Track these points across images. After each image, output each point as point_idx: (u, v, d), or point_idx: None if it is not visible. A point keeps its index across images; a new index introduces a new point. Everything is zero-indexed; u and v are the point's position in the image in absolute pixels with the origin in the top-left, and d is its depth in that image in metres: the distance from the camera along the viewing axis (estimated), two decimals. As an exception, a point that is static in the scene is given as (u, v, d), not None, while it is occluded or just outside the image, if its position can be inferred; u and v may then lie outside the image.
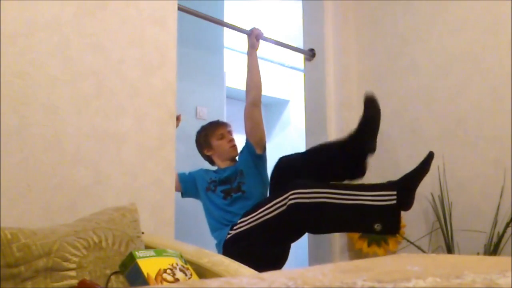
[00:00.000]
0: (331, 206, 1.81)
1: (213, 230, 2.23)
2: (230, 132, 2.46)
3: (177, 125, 2.16)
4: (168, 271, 1.11)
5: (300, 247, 4.16)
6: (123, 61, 1.79)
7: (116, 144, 1.73)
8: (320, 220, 1.87)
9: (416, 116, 2.65)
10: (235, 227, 2.03)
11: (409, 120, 2.68)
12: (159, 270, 1.09)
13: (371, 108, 1.90)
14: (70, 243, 1.18)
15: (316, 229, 2.04)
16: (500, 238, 2.20)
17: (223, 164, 2.39)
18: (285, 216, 1.83)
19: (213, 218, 2.23)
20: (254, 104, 2.35)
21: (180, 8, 2.10)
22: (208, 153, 2.42)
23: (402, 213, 2.60)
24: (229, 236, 2.05)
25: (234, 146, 2.43)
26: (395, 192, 1.82)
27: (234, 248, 2.00)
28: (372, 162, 2.83)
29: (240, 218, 2.02)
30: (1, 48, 1.49)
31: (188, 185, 2.36)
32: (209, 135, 2.42)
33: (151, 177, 1.82)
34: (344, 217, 1.85)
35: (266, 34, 2.62)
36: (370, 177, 2.83)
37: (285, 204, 1.83)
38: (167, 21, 1.95)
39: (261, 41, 2.55)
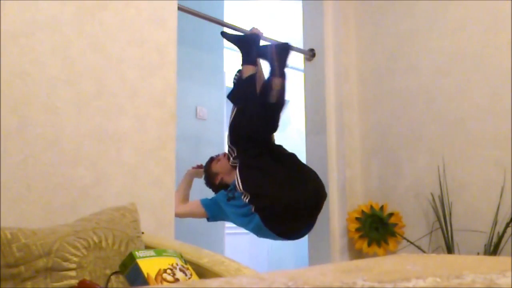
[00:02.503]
0: None
1: (248, 224, 2.27)
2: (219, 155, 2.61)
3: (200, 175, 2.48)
4: (168, 271, 1.11)
5: (300, 247, 4.15)
6: (123, 61, 1.79)
7: (116, 144, 1.73)
8: None
9: (416, 116, 2.65)
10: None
11: (409, 120, 2.68)
12: (159, 270, 1.09)
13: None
14: (70, 243, 1.18)
15: None
16: (500, 238, 2.20)
17: (231, 178, 2.46)
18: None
19: (243, 217, 2.27)
20: None
21: (180, 8, 2.10)
22: (218, 179, 2.50)
23: (403, 213, 2.61)
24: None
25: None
26: None
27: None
28: (372, 162, 2.83)
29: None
30: (1, 48, 1.49)
31: (213, 208, 2.38)
32: (209, 170, 2.53)
33: (151, 177, 1.82)
34: None
35: (266, 34, 2.62)
36: (370, 177, 2.84)
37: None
38: (167, 21, 1.95)
39: (261, 41, 2.56)
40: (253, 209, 2.16)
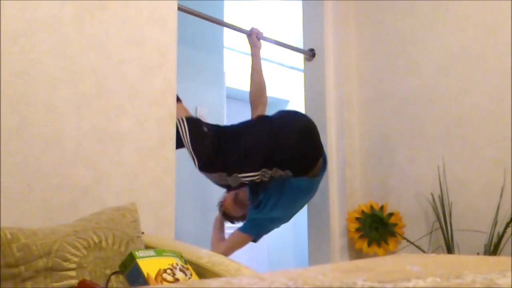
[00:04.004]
0: None
1: (289, 203, 2.30)
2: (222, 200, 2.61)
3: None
4: (168, 271, 1.11)
5: (300, 247, 4.16)
6: (123, 61, 1.79)
7: (116, 144, 1.73)
8: None
9: (416, 116, 2.65)
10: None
11: (409, 120, 2.68)
12: (159, 270, 1.09)
13: None
14: (70, 243, 1.18)
15: None
16: (500, 238, 2.20)
17: (246, 205, 2.50)
18: None
19: (279, 206, 2.29)
20: (266, 104, 2.48)
21: (180, 8, 2.10)
22: (242, 217, 2.50)
23: (402, 213, 2.61)
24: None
25: None
26: None
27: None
28: (372, 162, 2.83)
29: None
30: (1, 48, 1.49)
31: (253, 228, 2.36)
32: (229, 216, 2.53)
33: (151, 177, 1.82)
34: None
35: (266, 34, 2.62)
36: (370, 177, 2.83)
37: None
38: (167, 21, 1.95)
39: (261, 41, 2.57)
40: (277, 177, 2.18)
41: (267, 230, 2.39)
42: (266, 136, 2.21)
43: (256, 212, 2.29)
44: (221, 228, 2.47)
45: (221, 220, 2.50)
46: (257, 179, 2.20)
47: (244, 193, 2.46)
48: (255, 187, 2.33)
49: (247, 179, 2.21)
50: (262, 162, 2.17)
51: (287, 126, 2.24)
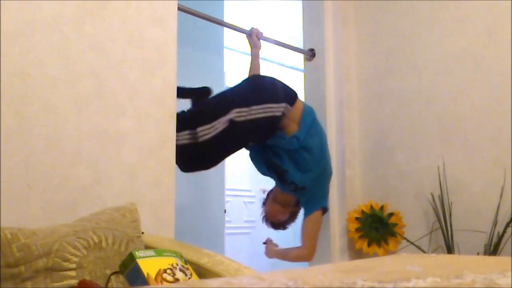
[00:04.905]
0: None
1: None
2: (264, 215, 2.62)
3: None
4: (168, 271, 1.11)
5: (300, 247, 4.13)
6: (123, 61, 1.79)
7: (116, 144, 1.73)
8: None
9: (416, 116, 2.65)
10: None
11: (409, 120, 2.68)
12: (159, 270, 1.09)
13: None
14: (70, 243, 1.18)
15: None
16: (500, 238, 2.20)
17: (288, 202, 2.52)
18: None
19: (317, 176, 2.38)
20: None
21: (180, 8, 2.10)
22: (292, 217, 2.56)
23: (403, 213, 2.61)
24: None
25: None
26: None
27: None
28: (372, 162, 2.83)
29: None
30: (1, 47, 1.49)
31: (316, 202, 2.40)
32: (279, 223, 2.58)
33: (151, 177, 1.82)
34: None
35: (266, 34, 2.62)
36: (370, 177, 2.83)
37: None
38: (167, 21, 1.95)
39: (261, 41, 2.57)
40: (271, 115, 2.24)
41: (325, 190, 2.42)
42: (247, 90, 2.37)
43: (302, 187, 2.31)
44: (281, 249, 2.53)
45: (272, 246, 2.55)
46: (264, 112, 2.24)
47: (278, 191, 2.49)
48: (277, 172, 2.36)
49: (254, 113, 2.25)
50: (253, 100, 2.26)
51: (260, 78, 2.44)
